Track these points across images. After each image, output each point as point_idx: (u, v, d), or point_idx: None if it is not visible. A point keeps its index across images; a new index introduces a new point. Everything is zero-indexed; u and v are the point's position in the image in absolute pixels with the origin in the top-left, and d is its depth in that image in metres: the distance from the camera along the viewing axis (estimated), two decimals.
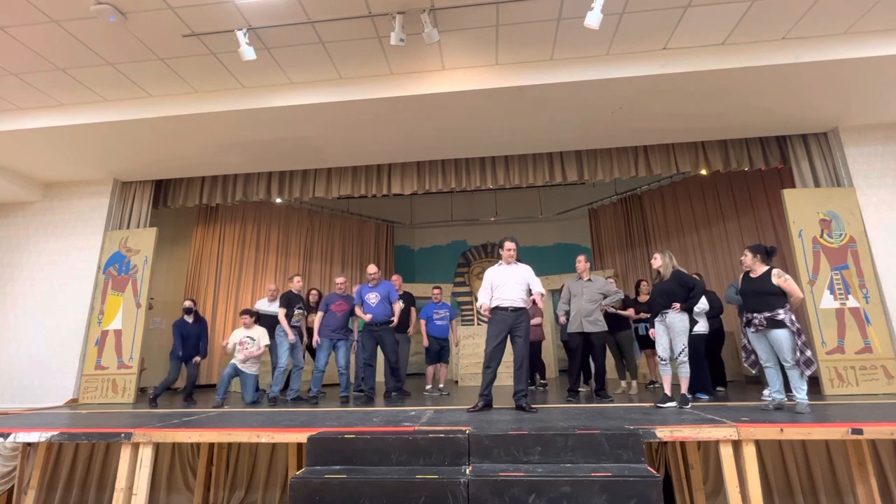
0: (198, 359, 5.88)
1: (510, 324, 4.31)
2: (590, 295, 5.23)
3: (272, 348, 5.79)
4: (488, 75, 4.94)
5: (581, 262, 5.38)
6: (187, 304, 5.99)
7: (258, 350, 5.65)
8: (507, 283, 4.38)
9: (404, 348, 5.93)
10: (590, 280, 5.35)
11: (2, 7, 3.97)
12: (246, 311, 5.90)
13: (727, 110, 5.43)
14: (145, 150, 6.03)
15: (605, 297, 5.32)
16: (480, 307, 4.51)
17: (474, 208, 11.01)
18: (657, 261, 4.59)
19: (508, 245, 4.48)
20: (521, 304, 4.37)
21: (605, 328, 5.25)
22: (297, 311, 5.72)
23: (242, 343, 5.69)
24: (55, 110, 5.42)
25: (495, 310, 4.39)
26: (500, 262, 4.55)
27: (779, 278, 3.97)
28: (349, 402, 5.29)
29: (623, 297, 5.66)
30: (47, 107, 5.43)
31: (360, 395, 5.46)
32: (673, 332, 4.35)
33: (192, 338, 5.86)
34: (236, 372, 5.62)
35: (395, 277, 6.28)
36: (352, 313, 5.58)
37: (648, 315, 4.95)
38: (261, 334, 5.76)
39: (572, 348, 5.35)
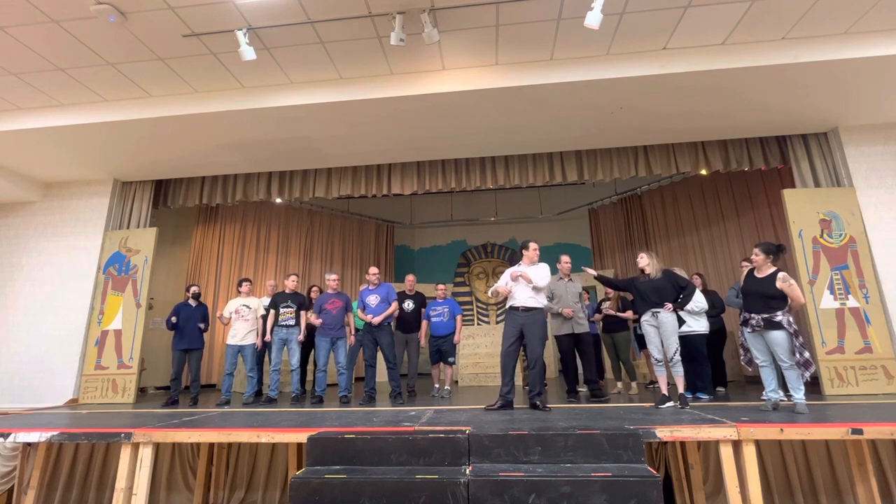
0: (202, 325, 5.88)
1: (521, 323, 4.37)
2: (573, 296, 5.28)
3: (269, 349, 5.81)
4: (488, 75, 4.94)
5: (566, 263, 5.40)
6: (194, 289, 6.02)
7: (255, 318, 5.75)
8: (520, 284, 4.45)
9: (414, 348, 5.92)
10: (571, 280, 5.39)
11: (2, 7, 3.97)
12: (245, 280, 6.00)
13: (727, 110, 5.43)
14: (145, 150, 6.03)
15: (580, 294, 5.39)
16: (496, 290, 4.58)
17: (474, 208, 11.01)
18: (644, 259, 4.60)
19: (535, 245, 4.58)
20: (534, 304, 4.41)
21: (588, 328, 5.28)
22: (283, 310, 5.72)
23: (238, 311, 5.75)
24: (55, 110, 5.42)
25: (509, 311, 4.46)
26: (521, 262, 4.61)
27: (783, 283, 3.92)
28: (349, 403, 5.30)
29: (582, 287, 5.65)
30: (47, 107, 5.43)
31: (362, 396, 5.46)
32: (666, 331, 4.34)
33: (191, 321, 5.79)
34: (237, 352, 5.66)
35: (409, 277, 6.27)
36: (347, 309, 5.61)
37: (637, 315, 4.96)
38: (257, 304, 5.86)
39: (563, 350, 5.35)
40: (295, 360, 5.67)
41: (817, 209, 5.56)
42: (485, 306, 10.95)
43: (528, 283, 4.36)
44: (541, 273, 4.43)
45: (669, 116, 5.56)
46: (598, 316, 6.08)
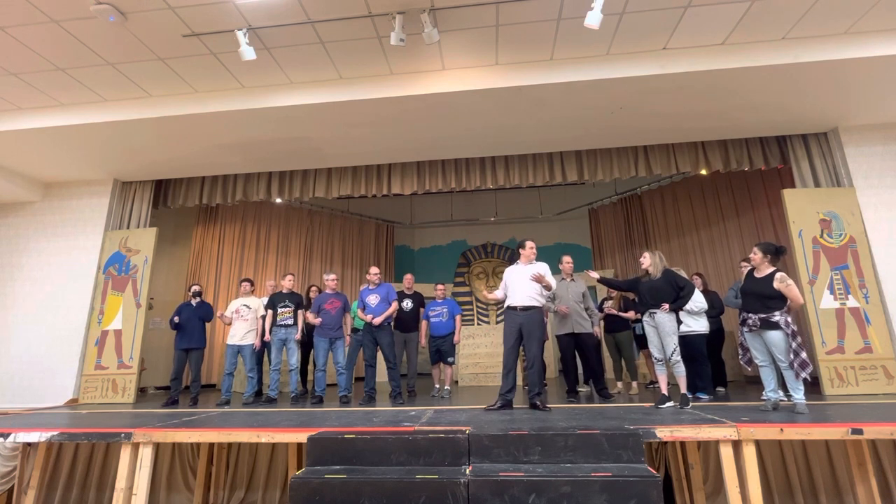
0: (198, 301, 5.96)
1: (520, 323, 4.36)
2: (574, 296, 5.29)
3: (268, 349, 5.81)
4: (488, 75, 4.94)
5: (567, 263, 5.40)
6: (195, 288, 6.07)
7: (254, 318, 5.77)
8: (517, 283, 4.44)
9: (413, 348, 5.93)
10: (573, 280, 5.39)
11: (2, 7, 3.97)
12: (245, 280, 6.03)
13: (727, 110, 5.43)
14: (145, 150, 6.03)
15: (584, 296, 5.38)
16: (492, 296, 4.66)
17: (474, 208, 11.00)
18: (646, 259, 4.59)
19: (531, 244, 4.59)
20: (532, 303, 4.39)
21: (591, 329, 5.28)
22: (281, 310, 5.72)
23: (238, 311, 5.77)
24: (55, 110, 5.42)
25: (507, 310, 4.45)
26: (518, 261, 4.60)
27: (780, 283, 3.90)
28: (349, 403, 5.30)
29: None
30: (47, 107, 5.43)
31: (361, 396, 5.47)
32: (662, 332, 4.34)
33: (192, 320, 5.82)
34: (237, 352, 5.67)
35: (407, 277, 6.29)
36: (345, 310, 5.63)
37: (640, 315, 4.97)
38: (258, 304, 5.87)
39: (563, 350, 5.34)
40: (294, 359, 5.67)
41: (817, 209, 5.56)
42: (485, 306, 10.94)
43: (548, 289, 4.37)
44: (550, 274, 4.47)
45: (669, 116, 5.55)
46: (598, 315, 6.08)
